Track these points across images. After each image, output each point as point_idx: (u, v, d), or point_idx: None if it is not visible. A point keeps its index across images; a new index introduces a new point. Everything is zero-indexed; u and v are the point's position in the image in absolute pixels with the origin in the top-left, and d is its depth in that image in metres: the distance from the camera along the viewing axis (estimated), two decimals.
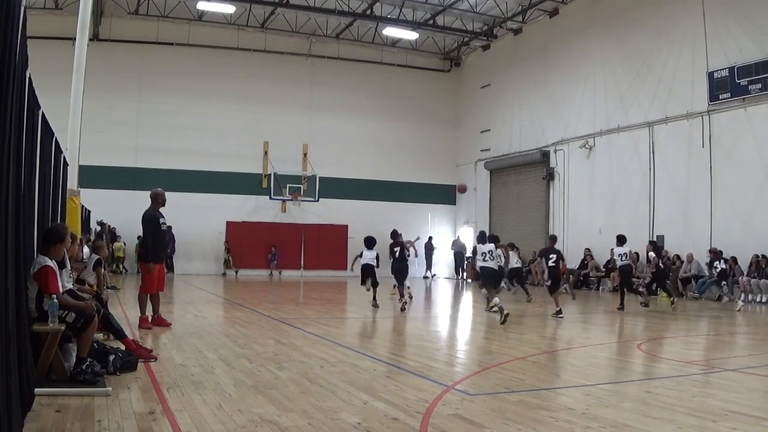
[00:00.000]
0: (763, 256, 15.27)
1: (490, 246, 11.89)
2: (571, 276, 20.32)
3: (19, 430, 3.63)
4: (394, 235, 13.81)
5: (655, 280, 14.88)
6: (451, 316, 13.66)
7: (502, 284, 14.29)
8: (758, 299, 15.26)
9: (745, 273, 15.65)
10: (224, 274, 24.88)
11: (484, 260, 11.71)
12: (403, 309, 12.64)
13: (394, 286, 14.04)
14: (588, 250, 20.90)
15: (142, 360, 6.22)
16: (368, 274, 13.13)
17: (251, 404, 4.79)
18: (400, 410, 4.71)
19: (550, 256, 12.34)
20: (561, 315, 11.72)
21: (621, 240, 13.78)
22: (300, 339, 8.45)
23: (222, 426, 4.19)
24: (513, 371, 6.47)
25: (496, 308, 10.94)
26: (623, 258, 13.57)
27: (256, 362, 6.57)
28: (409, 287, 13.84)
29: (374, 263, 13.12)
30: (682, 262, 17.42)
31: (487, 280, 11.90)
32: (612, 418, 4.55)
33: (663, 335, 10.18)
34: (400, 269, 13.25)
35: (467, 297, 18.92)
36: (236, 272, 25.14)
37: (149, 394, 5.07)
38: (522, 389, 5.58)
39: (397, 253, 13.35)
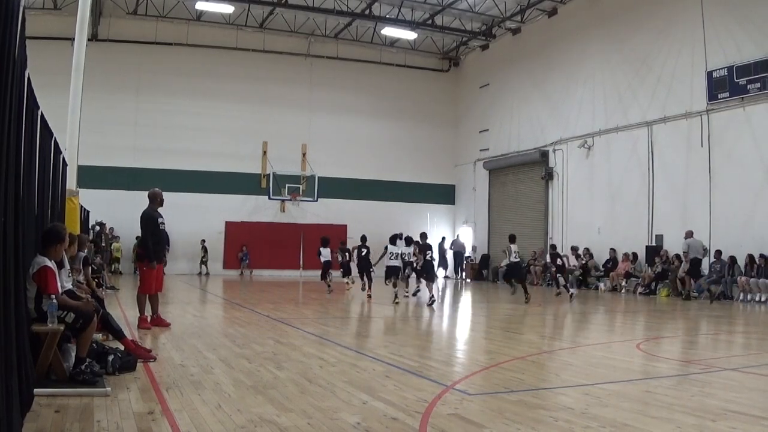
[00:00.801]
0: (761, 256, 15.28)
1: (403, 248, 14.50)
2: (570, 275, 20.32)
3: (18, 430, 3.62)
4: (363, 239, 16.48)
5: (558, 273, 16.57)
6: (450, 315, 13.66)
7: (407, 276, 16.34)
8: (758, 298, 15.28)
9: (743, 272, 15.65)
10: (200, 273, 24.72)
11: (390, 259, 14.30)
12: (369, 297, 15.02)
13: (363, 282, 15.99)
14: (587, 249, 20.91)
15: (141, 360, 6.21)
16: (328, 268, 16.34)
17: (250, 404, 4.79)
18: (399, 410, 4.71)
19: (427, 252, 14.67)
20: (398, 301, 13.79)
21: (512, 239, 15.26)
22: (299, 339, 8.45)
23: (221, 426, 4.19)
24: (512, 371, 6.47)
25: (397, 299, 13.79)
26: (516, 255, 15.03)
27: (256, 362, 6.57)
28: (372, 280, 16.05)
29: (331, 258, 16.43)
30: (681, 262, 17.42)
31: (391, 274, 14.39)
32: (611, 417, 4.55)
33: (662, 335, 10.19)
34: (365, 267, 15.88)
35: (466, 296, 18.93)
36: (207, 272, 24.82)
37: (148, 395, 5.07)
38: (521, 389, 5.58)
39: (363, 253, 16.10)
